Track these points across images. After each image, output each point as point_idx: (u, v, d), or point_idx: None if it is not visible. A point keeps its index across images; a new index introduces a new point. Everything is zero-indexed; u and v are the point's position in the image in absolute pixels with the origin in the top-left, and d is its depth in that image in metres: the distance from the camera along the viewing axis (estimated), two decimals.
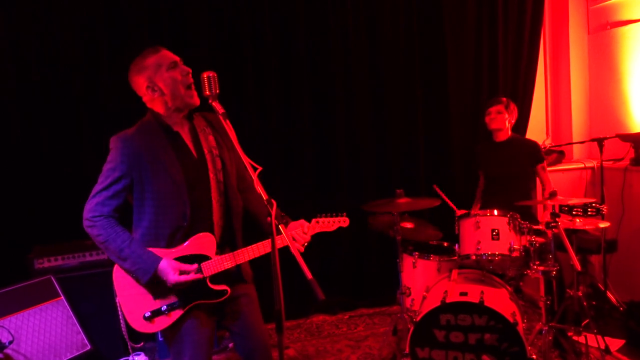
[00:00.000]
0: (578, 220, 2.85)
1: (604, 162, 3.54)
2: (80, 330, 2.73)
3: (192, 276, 1.75)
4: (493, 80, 3.94)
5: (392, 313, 3.61)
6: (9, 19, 3.07)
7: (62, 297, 2.76)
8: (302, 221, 1.88)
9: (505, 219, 2.60)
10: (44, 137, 3.17)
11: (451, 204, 3.25)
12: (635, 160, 3.54)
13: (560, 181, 3.83)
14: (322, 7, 3.62)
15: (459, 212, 2.96)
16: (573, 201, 2.91)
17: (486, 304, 2.31)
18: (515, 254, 2.55)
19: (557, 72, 4.23)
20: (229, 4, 3.45)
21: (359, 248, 3.82)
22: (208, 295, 1.80)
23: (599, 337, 2.72)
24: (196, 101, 1.81)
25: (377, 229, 3.05)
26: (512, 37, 3.95)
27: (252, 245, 1.83)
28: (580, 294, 2.77)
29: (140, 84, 1.81)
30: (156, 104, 1.81)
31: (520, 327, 2.35)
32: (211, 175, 1.83)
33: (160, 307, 1.77)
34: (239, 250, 1.83)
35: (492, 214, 2.63)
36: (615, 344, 2.95)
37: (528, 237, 2.59)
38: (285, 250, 1.63)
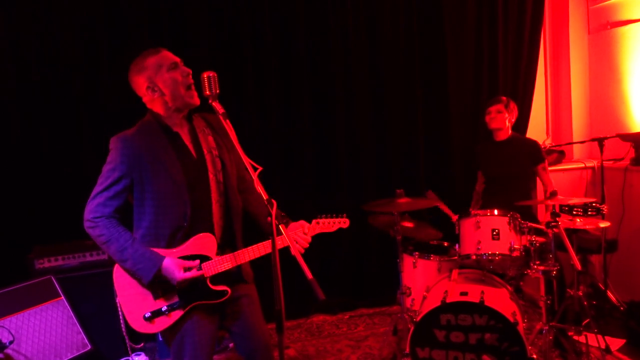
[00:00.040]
0: (578, 220, 2.85)
1: (604, 162, 3.54)
2: (81, 330, 2.73)
3: (196, 273, 1.75)
4: (493, 80, 3.94)
5: (393, 313, 3.61)
6: (9, 19, 3.07)
7: (63, 297, 2.76)
8: (302, 222, 1.88)
9: (506, 219, 2.60)
10: (44, 137, 3.17)
11: (447, 211, 3.23)
12: (636, 160, 3.54)
13: (561, 181, 3.83)
14: (322, 7, 3.62)
15: (455, 218, 2.98)
16: (573, 201, 2.92)
17: (486, 303, 2.31)
18: (515, 253, 2.55)
19: (558, 72, 4.22)
20: (229, 4, 3.44)
21: (359, 248, 3.82)
22: (208, 295, 1.80)
23: (600, 336, 2.72)
24: (196, 101, 1.81)
25: (378, 229, 3.05)
26: (512, 37, 3.95)
27: (253, 246, 1.83)
28: (580, 293, 2.77)
29: (140, 84, 1.81)
30: (156, 105, 1.81)
31: (521, 327, 2.35)
32: (211, 176, 1.83)
33: (161, 308, 1.77)
34: (239, 251, 1.83)
35: (492, 214, 2.63)
36: (616, 343, 2.95)
37: (528, 237, 2.59)
38: (285, 251, 1.63)
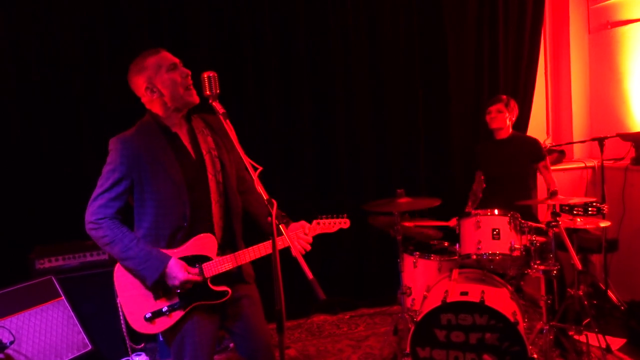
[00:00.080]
0: (579, 220, 2.85)
1: (604, 162, 3.54)
2: (81, 330, 2.73)
3: (196, 276, 1.75)
4: (493, 80, 3.93)
5: (393, 313, 3.61)
6: (9, 19, 3.07)
7: (63, 297, 2.76)
8: (302, 222, 1.88)
9: (506, 219, 2.60)
10: (44, 137, 3.17)
11: (442, 224, 3.24)
12: (636, 160, 3.54)
13: (561, 181, 3.82)
14: (322, 7, 3.61)
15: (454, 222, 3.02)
16: (574, 200, 2.91)
17: (487, 303, 2.31)
18: (516, 253, 2.55)
19: (558, 71, 4.22)
20: (229, 4, 3.44)
21: (359, 248, 3.82)
22: (209, 296, 1.80)
23: (600, 336, 2.72)
24: (195, 99, 1.81)
25: (378, 229, 3.05)
26: (513, 37, 3.95)
27: (253, 247, 1.83)
28: (581, 293, 2.77)
29: (139, 84, 1.80)
30: (155, 105, 1.81)
31: (521, 327, 2.34)
32: (210, 176, 1.83)
33: (161, 308, 1.77)
34: (240, 252, 1.83)
35: (492, 214, 2.63)
36: (617, 343, 2.95)
37: (529, 237, 2.59)
38: (285, 251, 1.63)
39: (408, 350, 2.42)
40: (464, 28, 3.87)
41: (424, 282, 2.81)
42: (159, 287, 1.76)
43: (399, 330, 3.09)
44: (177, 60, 1.82)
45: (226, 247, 1.87)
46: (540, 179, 3.43)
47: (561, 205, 3.07)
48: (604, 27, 3.93)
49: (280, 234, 1.51)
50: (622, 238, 3.52)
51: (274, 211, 1.48)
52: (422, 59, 3.84)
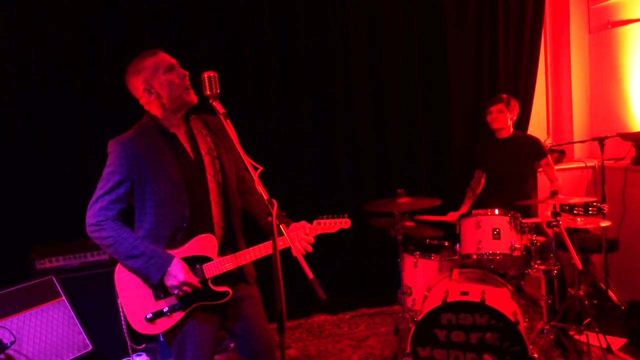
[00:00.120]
0: (579, 220, 2.85)
1: (605, 161, 3.54)
2: (82, 330, 2.73)
3: (196, 280, 1.75)
4: (494, 80, 3.93)
5: (394, 313, 3.60)
6: (9, 19, 3.07)
7: (64, 297, 2.76)
8: (303, 222, 1.88)
9: (507, 218, 2.60)
10: (44, 137, 3.17)
11: (440, 218, 3.25)
12: (637, 160, 3.54)
13: (562, 180, 3.82)
14: (322, 7, 3.61)
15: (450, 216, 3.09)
16: (574, 200, 2.91)
17: (487, 303, 2.31)
18: (516, 253, 2.55)
19: (558, 71, 4.22)
20: (229, 4, 3.44)
21: (359, 248, 3.82)
22: (210, 296, 1.80)
23: (601, 336, 2.72)
24: (193, 100, 1.81)
25: (378, 229, 3.05)
26: (513, 37, 3.95)
27: (254, 247, 1.83)
28: (581, 293, 2.77)
29: (137, 86, 1.80)
30: (153, 107, 1.81)
31: (522, 326, 2.35)
32: (209, 177, 1.83)
33: (162, 309, 1.77)
34: (240, 252, 1.83)
35: (493, 213, 2.63)
36: (617, 342, 2.95)
37: (529, 236, 2.59)
38: (286, 251, 1.63)
39: (408, 350, 2.42)
40: (464, 28, 3.86)
41: (425, 282, 2.81)
42: (160, 287, 1.76)
43: (400, 330, 3.09)
44: (174, 61, 1.82)
45: (226, 247, 1.87)
46: (540, 179, 3.42)
47: (562, 205, 3.07)
48: (605, 27, 3.93)
49: (280, 234, 1.51)
50: (622, 238, 3.52)
51: (274, 211, 1.48)
52: (422, 59, 3.84)
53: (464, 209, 3.40)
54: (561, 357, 2.79)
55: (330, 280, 3.72)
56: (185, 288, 1.74)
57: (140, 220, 1.79)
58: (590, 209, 3.01)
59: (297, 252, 1.47)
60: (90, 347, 2.72)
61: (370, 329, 3.46)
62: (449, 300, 2.37)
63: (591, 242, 3.37)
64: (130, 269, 1.76)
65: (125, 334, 2.87)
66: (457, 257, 2.74)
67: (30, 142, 3.14)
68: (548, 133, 4.28)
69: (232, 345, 3.09)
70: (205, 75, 1.69)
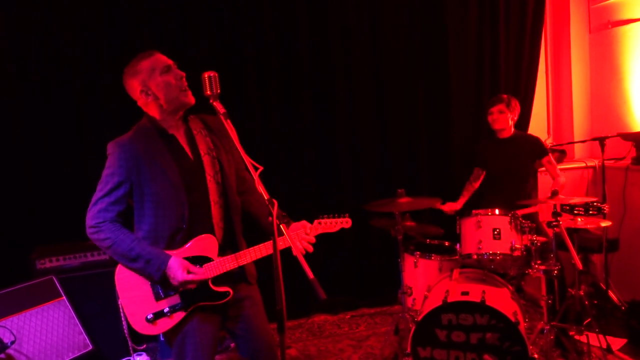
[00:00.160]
0: (579, 219, 2.85)
1: (605, 161, 3.54)
2: (82, 330, 2.73)
3: (199, 275, 1.75)
4: (494, 80, 3.93)
5: (394, 312, 3.60)
6: (9, 19, 3.07)
7: (64, 297, 2.76)
8: (304, 222, 1.88)
9: (507, 218, 2.60)
10: (44, 137, 3.17)
11: (438, 205, 3.27)
12: (637, 159, 3.54)
13: (564, 177, 3.83)
14: (322, 7, 3.61)
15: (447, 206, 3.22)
16: (574, 200, 2.91)
17: (488, 303, 2.31)
18: (516, 253, 2.55)
19: (559, 71, 4.22)
20: (229, 4, 3.44)
21: (360, 248, 3.81)
22: (210, 297, 1.80)
23: (601, 336, 2.72)
24: (191, 100, 1.81)
25: (379, 229, 3.05)
26: (514, 37, 3.94)
27: (254, 247, 1.83)
28: (581, 293, 2.77)
29: (134, 87, 1.80)
30: (151, 108, 1.81)
31: (522, 327, 2.34)
32: (208, 177, 1.83)
33: (163, 309, 1.77)
34: (241, 252, 1.83)
35: (493, 213, 2.63)
36: (617, 343, 2.94)
37: (529, 237, 2.59)
38: (286, 250, 1.63)
39: (409, 350, 2.42)
40: (464, 28, 3.86)
41: (425, 282, 2.81)
42: (161, 287, 1.77)
43: (400, 330, 3.09)
44: (170, 62, 1.81)
45: (227, 247, 1.87)
46: (541, 179, 3.42)
47: (562, 205, 3.07)
48: (605, 27, 3.92)
49: (281, 233, 1.51)
50: (622, 238, 3.52)
51: (274, 211, 1.48)
52: (423, 58, 3.84)
53: (461, 200, 3.42)
54: (561, 357, 2.79)
55: (331, 280, 3.72)
56: (190, 286, 1.74)
57: (140, 221, 1.80)
58: (590, 209, 3.01)
59: (298, 252, 1.47)
60: (91, 347, 2.72)
61: (370, 329, 3.46)
62: (449, 300, 2.37)
63: (591, 242, 3.37)
64: (131, 269, 1.77)
65: (126, 334, 2.87)
66: (457, 257, 2.74)
67: (30, 142, 3.15)
68: (548, 133, 4.28)
69: (232, 345, 3.09)
70: (206, 75, 1.68)
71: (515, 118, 3.30)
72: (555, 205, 2.57)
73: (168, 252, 1.76)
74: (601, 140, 3.49)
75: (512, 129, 3.30)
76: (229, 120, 1.67)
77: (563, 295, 2.95)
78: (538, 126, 4.17)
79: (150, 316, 1.76)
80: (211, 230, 1.82)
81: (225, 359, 3.07)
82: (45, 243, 2.98)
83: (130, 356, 2.88)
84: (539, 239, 2.59)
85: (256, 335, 1.91)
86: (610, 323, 3.20)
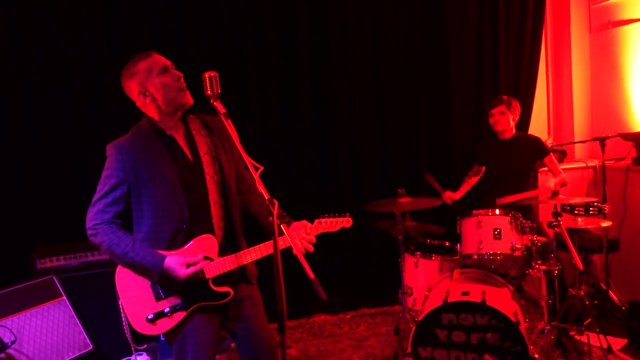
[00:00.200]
0: (580, 220, 2.85)
1: (605, 162, 3.53)
2: (83, 330, 2.73)
3: (201, 264, 1.74)
4: (494, 80, 3.93)
5: (394, 313, 3.60)
6: (9, 19, 3.07)
7: (64, 297, 2.76)
8: (304, 222, 1.87)
9: (507, 218, 2.60)
10: (44, 137, 3.17)
11: (438, 188, 3.32)
12: (637, 160, 3.54)
13: (566, 174, 3.83)
14: (323, 6, 3.61)
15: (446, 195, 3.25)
16: (575, 200, 2.91)
17: (488, 303, 2.31)
18: (517, 253, 2.55)
19: (559, 71, 4.22)
20: (229, 4, 3.44)
21: (360, 248, 3.81)
22: (210, 297, 1.79)
23: (601, 336, 2.72)
24: (189, 101, 1.80)
25: (379, 225, 3.05)
26: (514, 37, 3.94)
27: (255, 247, 1.83)
28: (582, 293, 2.77)
29: (132, 89, 1.80)
30: (149, 109, 1.81)
31: (522, 327, 2.34)
32: (208, 178, 1.83)
33: (163, 309, 1.77)
34: (241, 252, 1.83)
35: (493, 213, 2.63)
36: (618, 343, 2.94)
37: (530, 237, 2.59)
38: (287, 250, 1.62)
39: (409, 350, 2.42)
40: (464, 28, 3.86)
41: (425, 282, 2.81)
42: (161, 287, 1.77)
43: (400, 330, 3.09)
44: (168, 62, 1.80)
45: (227, 247, 1.86)
46: (541, 179, 3.42)
47: (562, 205, 3.07)
48: (605, 27, 3.92)
49: (281, 233, 1.51)
50: (623, 238, 3.52)
51: (275, 211, 1.48)
52: (423, 58, 3.84)
53: (460, 191, 3.43)
54: (562, 357, 2.79)
55: (331, 279, 3.72)
56: (190, 280, 1.74)
57: (139, 223, 1.80)
58: (591, 209, 3.01)
59: (298, 251, 1.47)
60: (91, 347, 2.72)
61: (370, 329, 3.46)
62: (449, 300, 2.37)
63: (592, 242, 3.37)
64: (132, 270, 1.78)
65: (126, 334, 2.87)
66: (458, 257, 2.73)
67: (31, 142, 3.14)
68: (549, 133, 4.28)
69: (232, 345, 3.09)
70: (206, 75, 1.68)
71: (516, 119, 3.30)
72: (555, 205, 2.57)
73: (168, 252, 1.76)
74: (601, 141, 3.48)
75: (514, 130, 3.30)
76: (229, 120, 1.67)
77: (563, 296, 2.94)
78: (538, 126, 4.17)
79: (150, 316, 1.76)
80: (211, 231, 1.82)
81: (225, 358, 3.06)
82: (45, 243, 2.98)
83: (131, 356, 2.88)
84: (539, 239, 2.59)
85: (256, 335, 1.91)
86: (611, 323, 3.20)
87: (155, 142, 1.78)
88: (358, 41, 3.70)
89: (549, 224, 2.53)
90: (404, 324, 2.87)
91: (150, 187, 1.75)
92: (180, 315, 1.77)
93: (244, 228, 1.95)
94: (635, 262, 3.53)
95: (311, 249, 1.82)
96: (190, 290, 1.78)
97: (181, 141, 1.83)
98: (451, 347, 2.37)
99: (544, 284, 2.64)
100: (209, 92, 1.68)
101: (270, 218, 1.48)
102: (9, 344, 2.41)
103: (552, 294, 2.81)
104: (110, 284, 1.84)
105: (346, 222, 1.90)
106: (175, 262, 1.72)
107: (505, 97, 3.28)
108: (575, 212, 3.06)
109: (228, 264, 1.81)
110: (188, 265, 1.73)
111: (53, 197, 3.15)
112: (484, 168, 3.44)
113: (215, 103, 1.69)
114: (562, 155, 4.01)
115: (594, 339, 2.70)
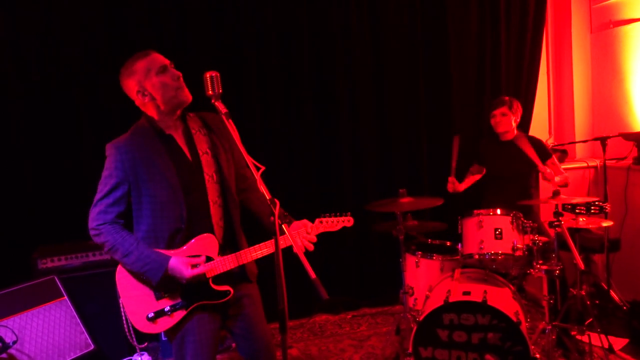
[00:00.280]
0: (581, 219, 2.85)
1: (606, 161, 3.53)
2: (84, 330, 2.73)
3: (204, 267, 1.75)
4: (495, 80, 3.93)
5: (395, 312, 3.60)
6: (10, 19, 3.07)
7: (66, 297, 2.76)
8: (305, 221, 1.87)
9: (509, 218, 2.60)
10: (44, 137, 3.16)
11: (453, 164, 3.25)
12: (638, 159, 3.54)
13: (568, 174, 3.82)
14: (323, 7, 3.61)
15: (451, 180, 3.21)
16: (576, 200, 2.91)
17: (489, 303, 2.30)
18: (518, 253, 2.54)
19: (560, 71, 4.22)
20: (229, 4, 3.44)
21: (361, 247, 3.81)
22: (211, 296, 1.79)
23: (603, 336, 2.71)
24: (188, 97, 1.79)
25: (380, 228, 3.04)
26: (515, 37, 3.94)
27: (255, 246, 1.83)
28: (583, 293, 2.76)
29: (130, 88, 1.79)
30: (148, 108, 1.80)
31: (524, 326, 2.34)
32: (207, 177, 1.82)
33: (163, 308, 1.77)
34: (241, 251, 1.83)
35: (495, 213, 2.62)
36: (619, 343, 2.94)
37: (531, 236, 2.59)
38: (288, 250, 1.62)
39: (410, 350, 2.42)
40: (465, 28, 3.86)
41: (427, 282, 2.80)
42: (162, 287, 1.76)
43: (401, 330, 3.08)
44: (167, 61, 1.79)
45: (227, 246, 1.86)
46: (540, 179, 3.40)
47: (563, 205, 3.07)
48: (606, 27, 3.92)
49: (282, 233, 1.51)
50: (624, 238, 3.52)
51: (276, 211, 1.48)
52: (424, 58, 3.83)
53: (464, 184, 3.41)
54: (563, 357, 2.79)
55: (332, 279, 3.72)
56: (193, 282, 1.74)
57: (138, 222, 1.80)
58: (592, 208, 3.01)
59: (298, 249, 1.47)
60: (92, 347, 2.72)
61: (372, 329, 3.46)
62: (451, 300, 2.37)
63: (593, 242, 3.37)
64: (131, 272, 1.78)
65: (127, 334, 2.87)
66: (459, 257, 2.73)
67: (31, 142, 3.14)
68: (550, 133, 4.27)
69: (233, 345, 3.09)
70: (208, 75, 1.67)
71: (518, 120, 3.29)
72: (557, 205, 2.57)
73: (167, 252, 1.76)
74: (603, 140, 3.48)
75: (515, 131, 3.29)
76: (230, 120, 1.67)
77: (565, 295, 2.94)
78: (539, 126, 4.16)
79: (151, 315, 1.76)
80: (211, 230, 1.82)
81: (226, 358, 3.06)
82: (46, 243, 2.98)
83: (132, 356, 2.88)
84: (540, 239, 2.58)
85: (255, 335, 1.91)
86: (612, 323, 3.19)
87: (155, 142, 1.78)
88: (358, 41, 3.70)
89: (550, 224, 2.53)
90: (405, 323, 2.87)
91: (150, 186, 1.75)
92: (180, 314, 1.77)
93: (244, 227, 1.95)
94: (637, 261, 3.53)
95: (311, 248, 1.81)
96: (190, 289, 1.78)
97: (180, 141, 1.83)
98: (452, 347, 2.36)
99: (545, 283, 2.64)
100: (210, 92, 1.68)
101: (272, 218, 1.48)
102: (11, 344, 2.41)
103: (554, 294, 2.81)
104: (111, 284, 1.83)
105: (347, 221, 1.90)
106: (181, 262, 1.72)
107: (507, 98, 3.28)
108: (577, 211, 3.06)
109: (228, 263, 1.81)
110: (193, 267, 1.73)
111: (53, 197, 3.15)
112: (485, 169, 3.43)
113: (216, 103, 1.69)
114: (563, 155, 4.01)
115: (595, 339, 2.70)
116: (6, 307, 2.55)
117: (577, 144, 4.04)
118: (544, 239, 2.65)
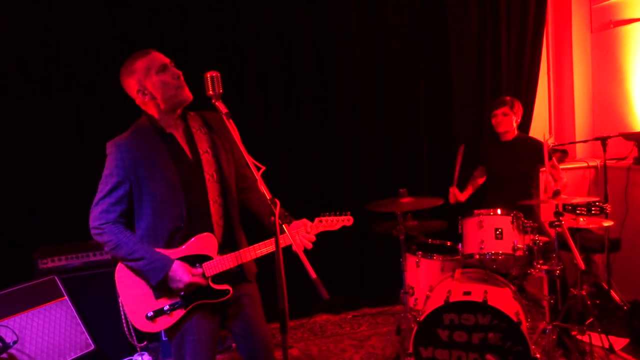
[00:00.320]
0: (582, 219, 2.85)
1: (607, 161, 3.53)
2: (84, 330, 2.73)
3: (199, 278, 1.75)
4: (496, 80, 3.93)
5: (396, 312, 3.60)
6: (10, 19, 3.07)
7: (66, 297, 2.76)
8: (305, 220, 1.87)
9: (509, 218, 2.60)
10: (44, 137, 3.16)
11: (456, 174, 3.25)
12: (639, 159, 3.54)
13: (567, 178, 3.82)
14: (323, 7, 3.61)
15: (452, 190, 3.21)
16: (577, 200, 2.91)
17: (490, 303, 2.30)
18: (518, 253, 2.54)
19: (560, 71, 4.22)
20: (229, 4, 3.44)
21: (362, 247, 3.81)
22: (210, 295, 1.79)
23: (603, 336, 2.71)
24: (188, 96, 1.79)
25: (380, 228, 3.04)
26: (515, 37, 3.94)
27: (254, 245, 1.83)
28: (584, 293, 2.76)
29: (131, 87, 1.79)
30: (149, 107, 1.80)
31: (524, 326, 2.34)
32: (207, 176, 1.82)
33: (163, 307, 1.77)
34: (241, 250, 1.83)
35: (495, 213, 2.62)
36: (619, 343, 2.94)
37: (531, 236, 2.58)
38: (288, 250, 1.62)
39: (411, 350, 2.42)
40: (465, 27, 3.86)
41: (427, 282, 2.80)
42: (162, 287, 1.76)
43: (402, 330, 3.09)
44: (167, 60, 1.79)
45: (227, 245, 1.86)
46: (542, 179, 3.41)
47: (564, 205, 3.06)
48: (607, 26, 3.92)
49: (282, 232, 1.51)
50: (624, 237, 3.52)
51: (277, 211, 1.48)
52: (424, 58, 3.83)
53: (466, 193, 3.39)
54: (563, 357, 2.78)
55: (333, 279, 3.72)
56: (191, 289, 1.74)
57: (139, 220, 1.80)
58: (592, 208, 3.00)
59: (298, 248, 1.47)
60: (93, 347, 2.72)
61: (372, 329, 3.45)
62: (451, 300, 2.37)
63: (593, 242, 3.37)
64: (132, 270, 1.77)
65: (128, 333, 2.87)
66: (459, 257, 2.73)
67: (31, 141, 3.15)
68: (550, 132, 4.27)
69: (233, 345, 3.09)
70: (208, 75, 1.67)
71: (519, 120, 3.29)
72: (557, 205, 2.57)
73: (167, 251, 1.76)
74: (603, 140, 3.48)
75: (516, 131, 3.29)
76: (231, 120, 1.67)
77: (565, 295, 2.94)
78: (540, 126, 4.16)
79: (150, 314, 1.76)
80: (211, 229, 1.82)
81: (226, 358, 3.06)
82: (47, 243, 2.98)
83: (133, 355, 2.88)
84: (541, 239, 2.58)
85: (254, 335, 1.91)
86: (613, 323, 3.19)
87: (155, 140, 1.78)
88: (358, 41, 3.70)
89: (551, 224, 2.53)
90: (405, 323, 2.87)
91: (150, 185, 1.75)
92: (179, 313, 1.77)
93: (243, 226, 1.95)
94: (637, 261, 3.53)
95: (310, 246, 1.81)
96: (191, 290, 1.78)
97: (181, 139, 1.83)
98: (453, 347, 2.36)
99: (546, 283, 2.64)
100: (210, 92, 1.68)
101: (272, 218, 1.48)
102: (11, 344, 2.41)
103: (554, 294, 2.81)
104: (111, 284, 1.83)
105: (347, 220, 1.90)
106: (184, 267, 1.73)
107: (508, 98, 3.28)
108: (577, 211, 3.06)
109: (228, 262, 1.81)
110: (192, 275, 1.74)
111: (53, 197, 3.15)
112: (486, 173, 3.43)
113: (217, 103, 1.69)
114: (564, 155, 4.01)
115: (596, 339, 2.70)
116: (6, 307, 2.55)
117: (577, 144, 4.04)
118: (544, 239, 2.65)
